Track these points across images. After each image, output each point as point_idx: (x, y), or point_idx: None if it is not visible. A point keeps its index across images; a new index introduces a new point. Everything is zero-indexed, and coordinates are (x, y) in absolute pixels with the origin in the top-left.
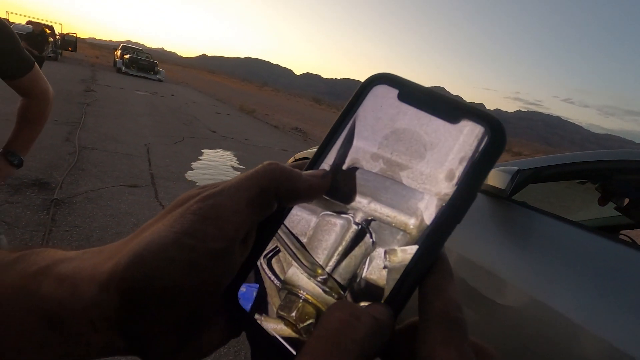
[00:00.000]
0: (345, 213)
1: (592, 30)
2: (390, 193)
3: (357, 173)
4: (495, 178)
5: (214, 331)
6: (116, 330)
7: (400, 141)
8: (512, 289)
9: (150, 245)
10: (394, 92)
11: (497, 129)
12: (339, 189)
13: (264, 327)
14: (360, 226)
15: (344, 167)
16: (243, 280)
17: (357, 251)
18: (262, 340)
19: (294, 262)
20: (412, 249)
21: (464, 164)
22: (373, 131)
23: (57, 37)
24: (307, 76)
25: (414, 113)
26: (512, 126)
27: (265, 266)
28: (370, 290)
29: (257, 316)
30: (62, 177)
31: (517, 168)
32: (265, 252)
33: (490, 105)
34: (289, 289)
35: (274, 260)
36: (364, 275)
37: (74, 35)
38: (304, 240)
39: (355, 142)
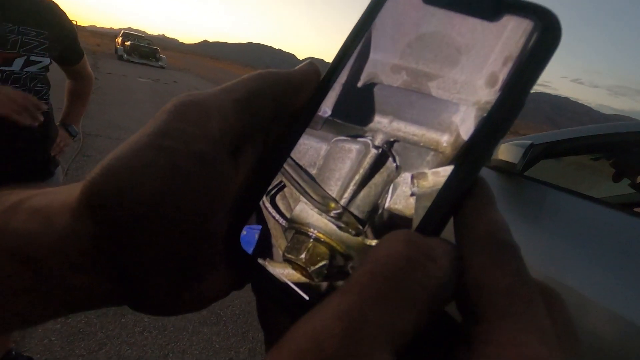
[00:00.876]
0: (363, 137)
1: (604, 8)
2: (416, 108)
3: (376, 89)
4: (507, 152)
5: (215, 277)
6: (97, 267)
7: (427, 48)
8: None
9: (118, 154)
10: None
11: (550, 21)
12: (353, 109)
13: (270, 272)
14: (380, 150)
15: (359, 84)
16: (244, 222)
17: (378, 179)
18: (269, 287)
19: (302, 198)
20: (447, 170)
21: (510, 65)
22: (393, 40)
23: None
24: (311, 60)
25: (443, 14)
26: None
27: (268, 204)
28: (395, 222)
29: (260, 261)
30: (68, 164)
31: (530, 141)
32: (269, 189)
33: None
34: (296, 228)
35: (278, 197)
36: (386, 205)
37: (75, 22)
38: (313, 172)
39: (372, 55)
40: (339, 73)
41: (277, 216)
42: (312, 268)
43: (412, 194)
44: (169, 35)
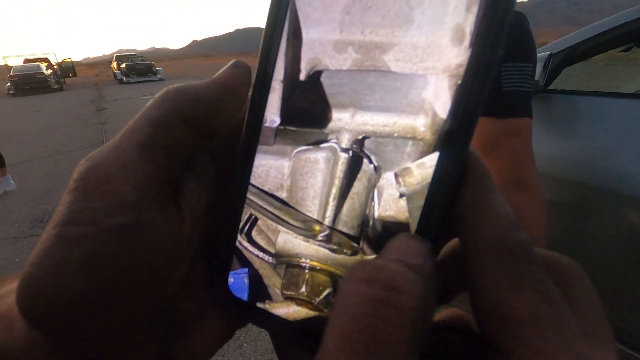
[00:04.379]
0: (326, 141)
1: None
2: (378, 92)
3: (323, 78)
4: None
5: (205, 329)
6: None
7: (369, 9)
8: (571, 184)
9: (34, 257)
10: None
11: None
12: (304, 109)
13: (276, 315)
14: (351, 152)
15: (302, 76)
16: (227, 269)
17: (358, 186)
18: (279, 330)
19: (280, 227)
20: (432, 159)
21: (474, 11)
22: (325, 9)
23: (55, 67)
24: None
25: None
26: (531, 17)
27: (246, 244)
28: (391, 230)
29: (260, 305)
30: None
31: (548, 52)
32: (241, 227)
33: None
34: (286, 262)
35: (254, 233)
36: (376, 214)
37: (70, 60)
38: (282, 195)
39: (305, 35)
40: (272, 69)
41: (261, 254)
42: (318, 299)
43: (401, 195)
44: (158, 45)
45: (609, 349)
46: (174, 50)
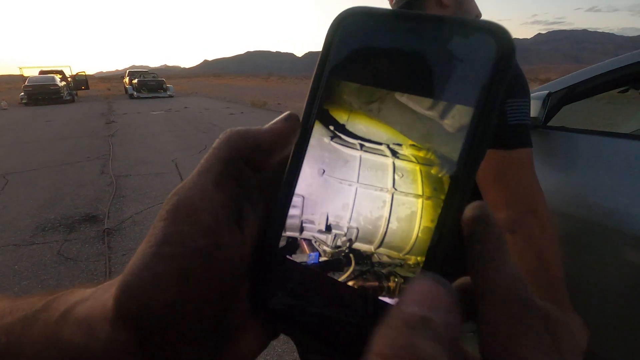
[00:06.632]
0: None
1: None
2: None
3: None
4: None
5: (247, 337)
6: None
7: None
8: (568, 217)
9: (133, 269)
10: (368, 18)
11: (505, 39)
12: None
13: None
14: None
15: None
16: (268, 281)
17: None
18: (306, 338)
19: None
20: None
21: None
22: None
23: (69, 79)
24: (310, 55)
25: (396, 33)
26: (533, 54)
27: (285, 261)
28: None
29: (293, 316)
30: (107, 208)
31: (547, 91)
32: (281, 246)
33: None
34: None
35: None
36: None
37: (84, 73)
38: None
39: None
40: (309, 134)
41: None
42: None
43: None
44: (170, 63)
45: None
46: (185, 69)
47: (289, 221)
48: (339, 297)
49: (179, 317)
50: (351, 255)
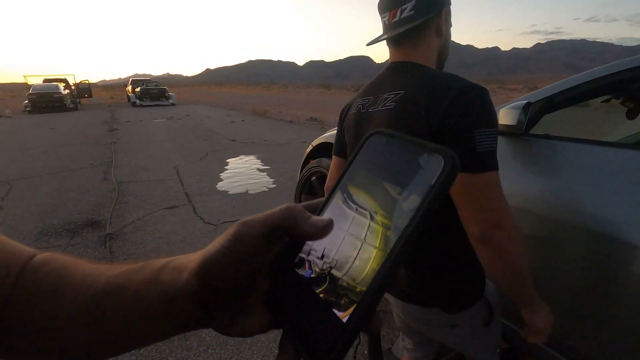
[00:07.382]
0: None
1: None
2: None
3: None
4: (505, 116)
5: (257, 318)
6: (198, 304)
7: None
8: (550, 221)
9: (208, 254)
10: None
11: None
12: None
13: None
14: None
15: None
16: (279, 280)
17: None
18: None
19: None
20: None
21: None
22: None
23: (73, 87)
24: (311, 64)
25: (401, 148)
26: (532, 62)
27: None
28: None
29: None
30: (109, 213)
31: (526, 101)
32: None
33: (505, 46)
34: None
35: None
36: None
37: (87, 82)
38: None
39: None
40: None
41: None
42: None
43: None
44: (172, 72)
45: None
46: (187, 77)
47: (304, 247)
48: (311, 303)
49: (227, 280)
50: (328, 277)
